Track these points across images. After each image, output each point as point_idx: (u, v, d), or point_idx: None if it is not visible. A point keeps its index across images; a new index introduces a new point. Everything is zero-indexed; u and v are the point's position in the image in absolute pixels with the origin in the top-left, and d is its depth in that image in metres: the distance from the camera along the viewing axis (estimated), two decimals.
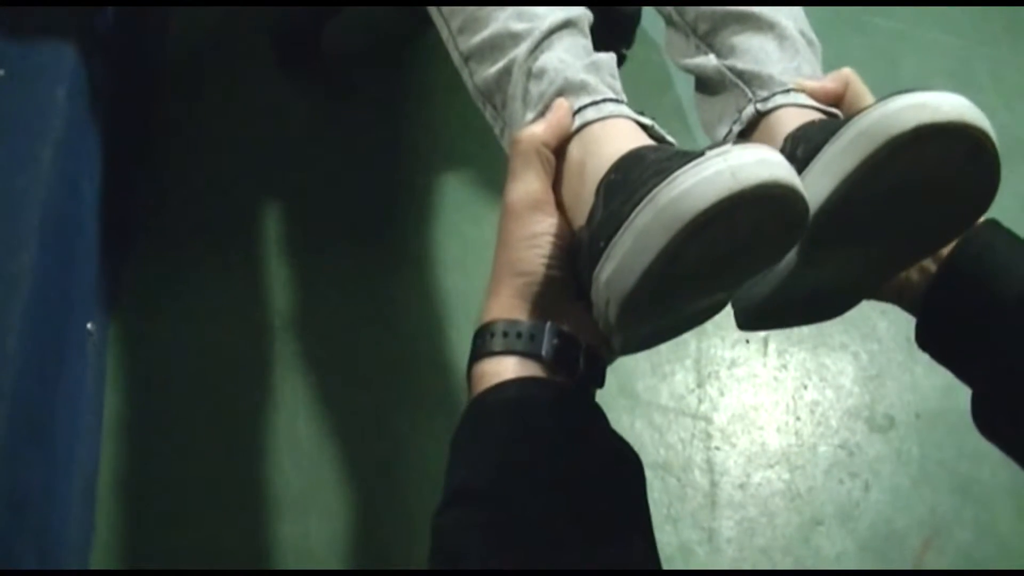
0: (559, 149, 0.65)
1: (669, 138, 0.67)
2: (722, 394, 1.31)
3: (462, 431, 0.58)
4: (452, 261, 1.38)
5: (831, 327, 1.36)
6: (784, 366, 1.35)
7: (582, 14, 0.73)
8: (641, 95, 1.50)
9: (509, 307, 0.60)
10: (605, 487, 0.56)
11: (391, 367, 1.31)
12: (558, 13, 0.71)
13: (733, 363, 1.34)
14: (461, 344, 1.32)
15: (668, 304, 0.58)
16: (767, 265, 0.60)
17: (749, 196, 0.51)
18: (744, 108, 0.73)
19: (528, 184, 0.62)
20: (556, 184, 0.65)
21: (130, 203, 1.36)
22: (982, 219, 0.64)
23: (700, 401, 1.31)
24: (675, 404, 1.30)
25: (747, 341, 1.36)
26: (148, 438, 1.24)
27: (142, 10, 1.42)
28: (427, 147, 1.46)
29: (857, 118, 0.58)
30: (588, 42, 0.73)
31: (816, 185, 0.59)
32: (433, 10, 0.77)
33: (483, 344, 0.59)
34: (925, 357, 0.69)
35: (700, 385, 1.31)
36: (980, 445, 0.66)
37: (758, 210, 0.52)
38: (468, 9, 0.73)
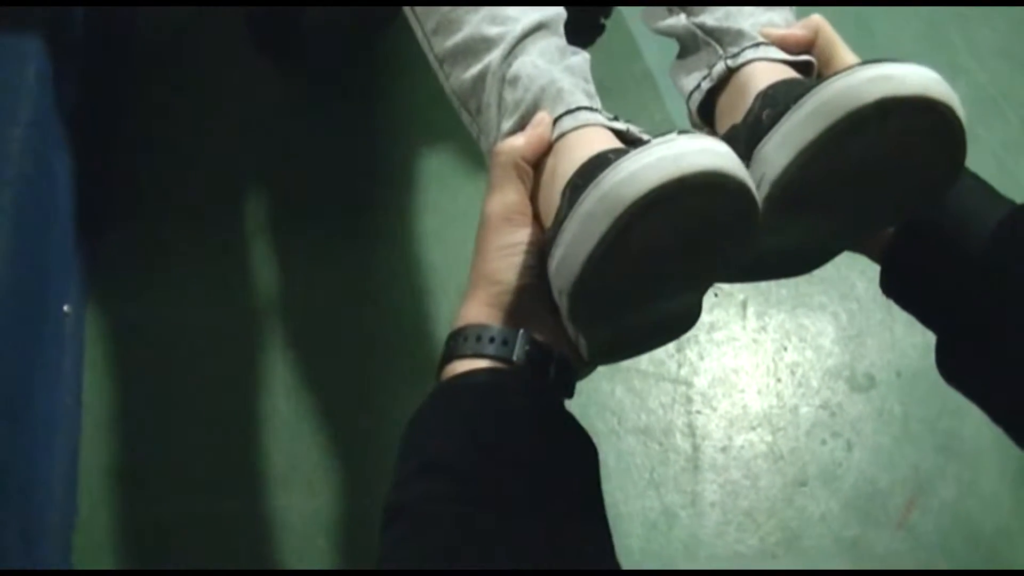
0: (538, 161, 0.65)
1: (647, 137, 0.67)
2: (702, 358, 1.31)
3: (426, 411, 0.58)
4: (431, 235, 1.36)
5: (809, 287, 1.36)
6: (763, 328, 1.34)
7: (556, 14, 0.73)
8: (612, 64, 1.50)
9: (483, 314, 0.60)
10: (569, 471, 0.56)
11: (372, 342, 1.30)
12: (532, 15, 0.70)
13: (712, 327, 1.33)
14: (441, 317, 1.31)
15: (622, 299, 0.58)
16: (724, 260, 0.59)
17: (690, 183, 0.51)
18: (715, 64, 0.72)
19: (506, 196, 0.63)
20: (533, 195, 0.65)
21: (105, 184, 1.35)
22: None
23: (680, 365, 1.30)
24: (655, 369, 1.29)
25: (715, 293, 1.35)
26: (128, 419, 1.22)
27: None
28: (403, 123, 1.45)
29: (820, 87, 0.57)
30: (562, 41, 0.72)
31: (775, 154, 0.59)
32: (407, 10, 0.76)
33: (455, 347, 0.60)
34: (904, 315, 0.69)
35: (680, 350, 1.31)
36: (962, 402, 0.66)
37: (701, 199, 0.52)
38: (442, 10, 0.72)
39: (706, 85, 0.73)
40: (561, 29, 0.73)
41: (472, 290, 0.62)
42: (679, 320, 0.65)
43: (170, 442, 1.22)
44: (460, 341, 0.60)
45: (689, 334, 1.28)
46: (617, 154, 0.56)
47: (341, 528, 1.19)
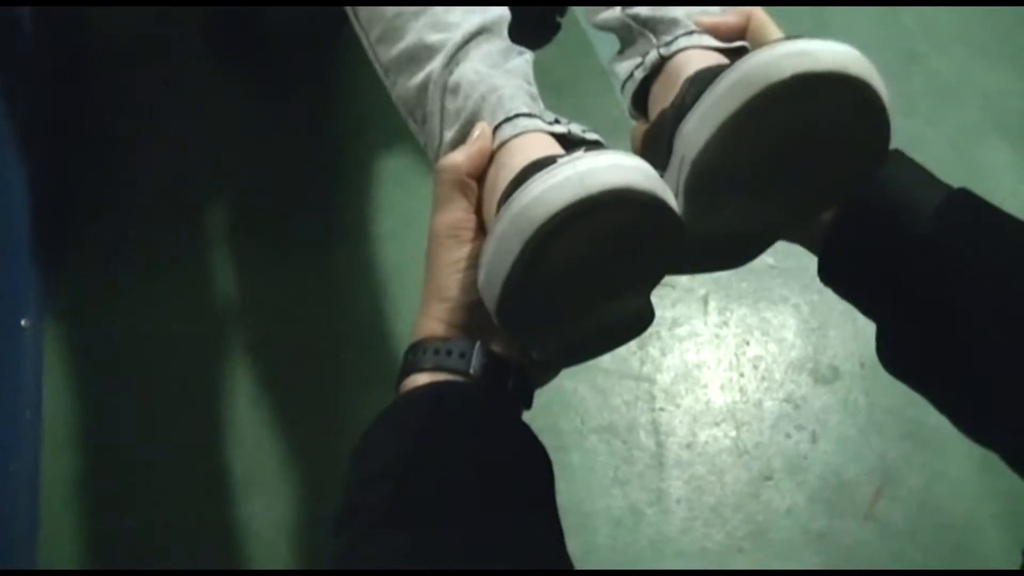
0: (482, 173, 0.65)
1: (592, 136, 0.67)
2: (664, 354, 1.31)
3: (383, 423, 0.58)
4: (388, 236, 1.36)
5: (770, 280, 1.36)
6: (725, 323, 1.34)
7: (498, 16, 0.72)
8: (567, 60, 1.49)
9: (439, 328, 0.60)
10: (524, 483, 0.56)
11: (332, 345, 1.29)
12: (473, 20, 0.70)
13: (674, 323, 1.33)
14: (401, 318, 1.31)
15: (551, 314, 0.58)
16: (651, 267, 0.59)
17: (598, 200, 0.51)
18: (648, 53, 0.72)
19: (450, 213, 0.63)
20: (479, 206, 0.65)
21: (61, 197, 1.34)
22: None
23: (642, 363, 1.30)
24: (617, 367, 1.29)
25: (672, 286, 1.35)
26: (89, 430, 1.22)
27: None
28: (359, 125, 1.45)
29: (737, 63, 0.57)
30: (505, 43, 0.72)
31: (695, 133, 0.58)
32: (353, 20, 0.76)
33: (413, 360, 0.60)
34: None
35: (642, 347, 1.31)
36: None
37: (611, 214, 0.52)
38: (386, 18, 0.72)
39: (639, 74, 0.72)
40: (504, 31, 0.73)
41: (425, 306, 0.62)
42: (629, 324, 0.65)
43: (132, 452, 1.22)
44: (418, 354, 0.60)
45: (651, 330, 1.28)
46: (539, 167, 0.56)
47: (305, 533, 1.19)
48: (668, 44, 0.70)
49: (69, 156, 1.38)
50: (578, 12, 1.53)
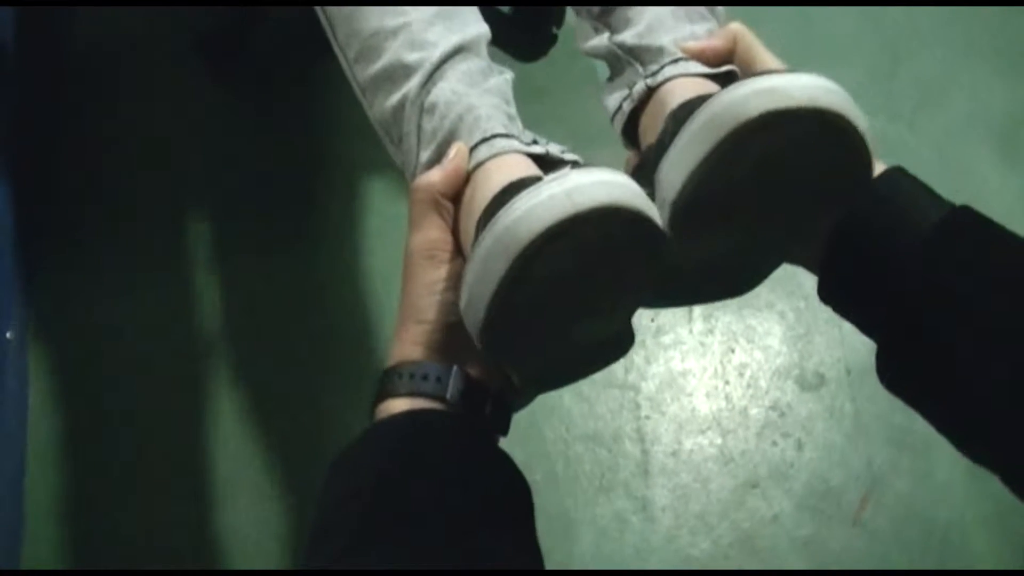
0: (458, 193, 0.65)
1: (571, 156, 0.66)
2: (649, 362, 1.31)
3: (357, 449, 0.58)
4: (373, 235, 1.36)
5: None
6: (710, 330, 1.34)
7: (477, 35, 0.71)
8: (553, 69, 1.49)
9: (416, 352, 0.60)
10: (502, 512, 0.56)
11: (316, 344, 1.29)
12: (452, 38, 0.69)
13: (659, 331, 1.33)
14: (385, 318, 1.31)
15: (535, 336, 0.57)
16: (637, 287, 0.59)
17: (584, 218, 0.51)
18: (635, 84, 0.71)
19: (426, 233, 0.62)
20: (455, 227, 0.65)
21: (43, 205, 1.34)
22: (888, 167, 0.62)
23: (627, 371, 1.30)
24: (602, 376, 1.27)
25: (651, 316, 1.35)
26: (74, 436, 1.22)
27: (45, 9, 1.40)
28: (341, 125, 1.44)
29: (706, 104, 0.56)
30: (484, 62, 0.71)
31: (670, 176, 0.58)
32: (331, 40, 0.75)
33: (389, 386, 0.59)
34: None
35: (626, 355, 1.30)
36: None
37: (597, 232, 0.52)
38: (362, 37, 0.71)
39: (627, 106, 0.71)
40: (483, 50, 0.72)
41: (401, 328, 0.61)
42: (609, 346, 0.64)
43: (117, 457, 1.21)
44: (394, 379, 0.59)
45: (636, 338, 1.28)
46: (521, 186, 0.56)
47: (291, 532, 1.19)
48: (655, 74, 0.69)
49: (48, 166, 1.38)
50: (567, 21, 1.53)
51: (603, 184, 0.52)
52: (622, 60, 0.72)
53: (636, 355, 1.31)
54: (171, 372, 1.27)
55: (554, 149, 0.67)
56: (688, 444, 1.27)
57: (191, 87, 1.45)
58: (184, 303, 1.31)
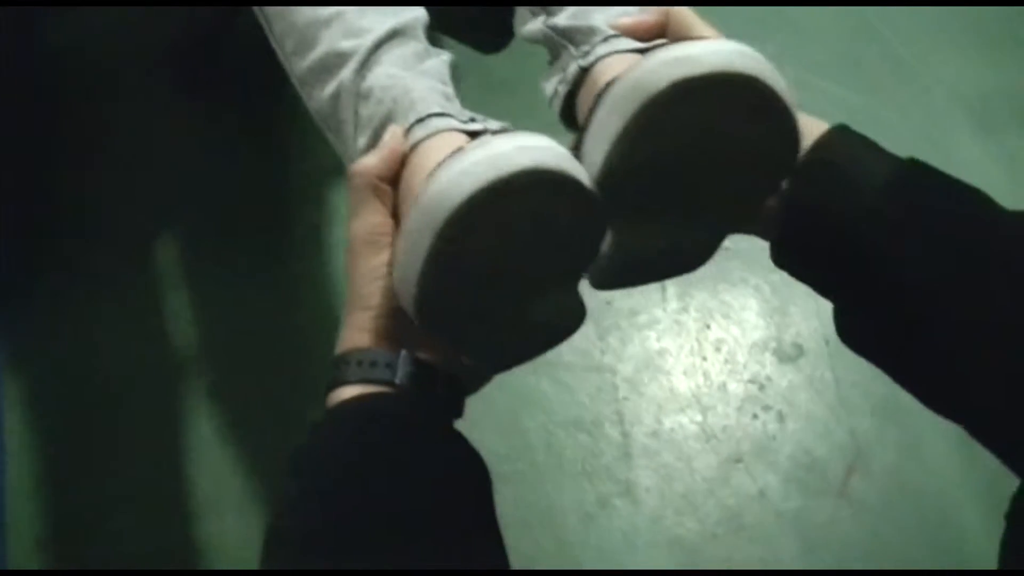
0: (396, 176, 0.63)
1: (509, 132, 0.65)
2: (624, 344, 1.29)
3: (311, 440, 0.57)
4: (338, 243, 1.35)
5: (728, 263, 1.35)
6: (685, 308, 1.33)
7: (413, 19, 0.71)
8: (512, 61, 1.48)
9: (364, 339, 0.59)
10: (457, 494, 0.55)
11: (291, 358, 1.28)
12: (386, 23, 0.68)
13: (633, 312, 1.32)
14: None
15: (473, 311, 0.56)
16: (576, 255, 0.57)
17: (508, 184, 0.49)
18: (569, 66, 0.69)
19: (365, 219, 0.61)
20: (395, 211, 0.63)
21: (15, 232, 1.33)
22: (830, 127, 0.61)
23: (603, 353, 1.28)
24: (579, 360, 1.28)
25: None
26: (53, 458, 1.21)
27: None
28: (305, 137, 1.44)
29: (621, 77, 0.55)
30: (421, 45, 0.70)
31: (592, 153, 0.57)
32: (268, 34, 0.74)
33: (339, 374, 0.58)
34: None
35: (602, 338, 1.29)
36: None
37: (525, 198, 0.50)
38: (297, 29, 0.70)
39: (563, 89, 0.69)
40: (420, 33, 0.71)
41: (349, 316, 0.60)
42: (559, 321, 0.62)
43: (95, 478, 1.20)
44: (343, 367, 0.58)
45: (610, 320, 1.27)
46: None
47: None
48: (586, 54, 0.68)
49: (21, 191, 1.36)
50: None
51: (525, 148, 0.50)
52: (556, 43, 0.71)
53: (611, 337, 1.30)
54: (148, 393, 1.25)
55: (493, 126, 0.66)
56: (668, 423, 1.25)
57: (160, 101, 1.44)
58: (158, 323, 1.30)
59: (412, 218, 0.51)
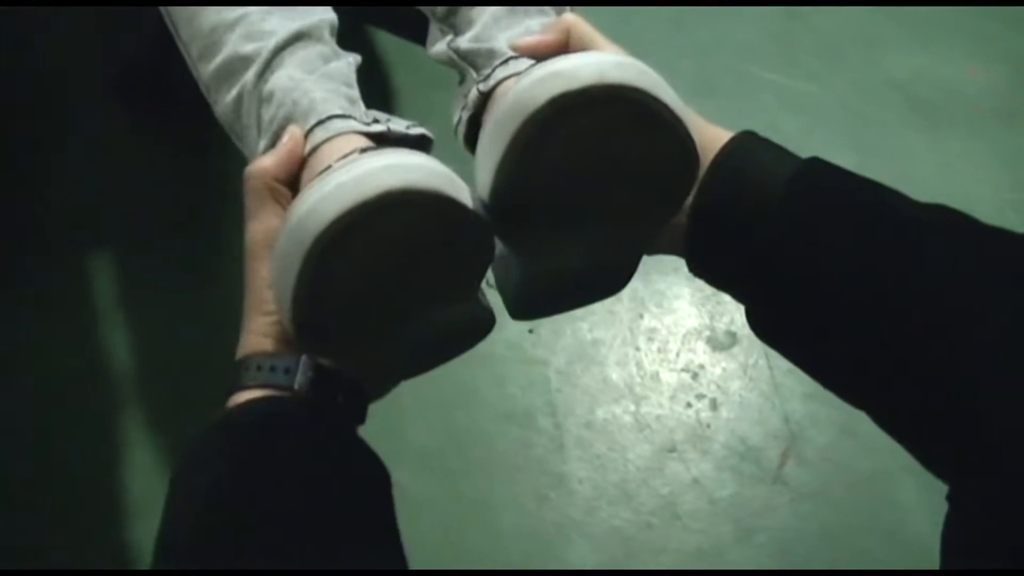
0: (296, 179, 0.62)
1: (417, 131, 0.64)
2: (557, 335, 1.29)
3: (200, 444, 0.56)
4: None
5: None
6: (618, 298, 1.32)
7: (319, 21, 0.69)
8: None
9: (264, 344, 0.58)
10: (354, 499, 0.54)
11: (225, 361, 1.27)
12: (290, 26, 0.67)
13: None
14: None
15: (360, 329, 0.55)
16: (458, 270, 0.56)
17: (375, 206, 0.48)
18: (469, 91, 0.68)
19: (263, 222, 0.60)
20: None
21: None
22: (735, 134, 0.60)
23: (535, 346, 1.28)
24: (511, 353, 1.27)
25: None
26: None
27: None
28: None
29: (502, 98, 0.54)
30: (327, 48, 0.69)
31: (480, 175, 0.55)
32: (177, 40, 0.73)
33: (238, 378, 0.57)
34: None
35: (533, 330, 1.29)
36: None
37: (394, 218, 0.49)
38: (203, 34, 0.69)
39: (465, 116, 0.68)
40: (326, 35, 0.70)
41: (249, 321, 0.59)
42: (462, 331, 0.62)
43: (27, 485, 1.18)
44: (241, 371, 0.57)
45: None
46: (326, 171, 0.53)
47: None
48: (487, 78, 0.66)
49: None
50: None
51: (393, 168, 0.49)
52: (459, 66, 0.70)
53: (543, 328, 1.29)
54: (80, 401, 1.24)
55: (397, 126, 0.64)
56: (602, 414, 1.25)
57: (110, 123, 1.42)
58: (91, 323, 1.28)
59: (281, 241, 0.50)
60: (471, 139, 0.68)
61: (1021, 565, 0.47)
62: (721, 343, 1.31)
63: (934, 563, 1.28)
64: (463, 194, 0.52)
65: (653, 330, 1.31)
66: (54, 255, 1.34)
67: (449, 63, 0.71)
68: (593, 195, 0.56)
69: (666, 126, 0.53)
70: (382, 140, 0.63)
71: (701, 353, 1.30)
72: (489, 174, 0.53)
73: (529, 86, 0.51)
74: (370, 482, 0.56)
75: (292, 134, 0.62)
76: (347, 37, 0.73)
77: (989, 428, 0.50)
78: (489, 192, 0.54)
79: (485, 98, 0.66)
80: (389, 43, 1.26)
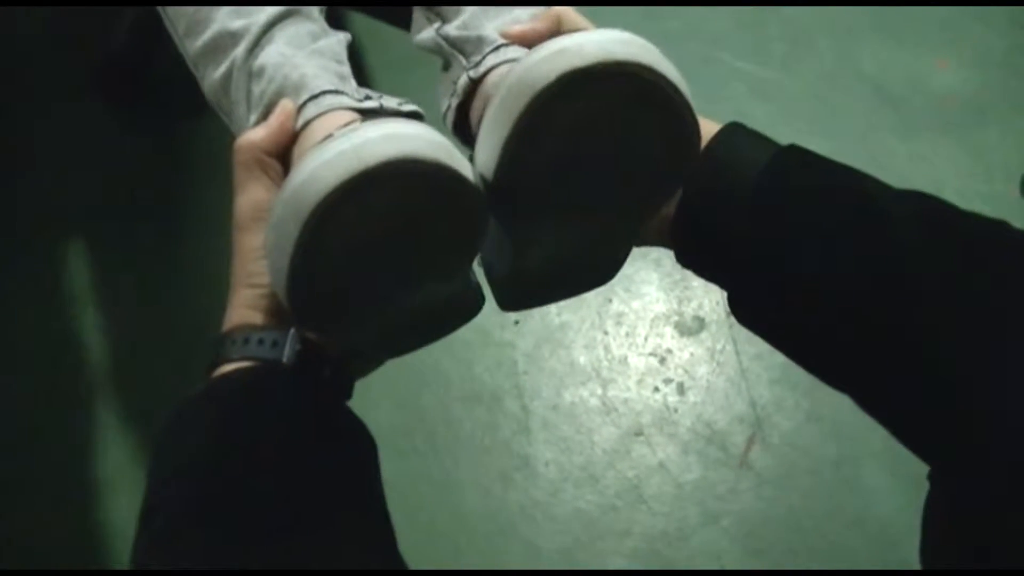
0: (287, 152, 0.62)
1: (408, 108, 0.64)
2: (525, 318, 1.29)
3: (183, 412, 0.55)
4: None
5: None
6: None
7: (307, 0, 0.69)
8: None
9: (250, 317, 0.57)
10: (340, 471, 0.54)
11: (193, 337, 1.27)
12: (279, 4, 0.67)
13: None
14: None
15: (353, 302, 0.54)
16: (454, 244, 0.55)
17: (375, 174, 0.47)
18: (459, 78, 0.68)
19: (252, 194, 0.59)
20: None
21: None
22: (722, 126, 0.61)
23: (503, 328, 1.28)
24: (478, 335, 1.28)
25: None
26: None
27: None
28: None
29: (506, 77, 0.53)
30: (316, 25, 0.69)
31: (482, 157, 0.55)
32: (163, 17, 0.73)
33: (222, 351, 0.57)
34: None
35: (500, 312, 1.29)
36: None
37: (392, 188, 0.49)
38: (190, 10, 0.69)
39: (454, 103, 0.67)
40: (315, 13, 0.70)
41: (233, 294, 0.59)
42: (451, 310, 0.62)
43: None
44: (227, 344, 0.57)
45: None
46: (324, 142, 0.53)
47: None
48: (477, 65, 0.66)
49: None
50: None
51: (394, 137, 0.49)
52: (447, 53, 0.69)
53: (512, 312, 1.29)
54: (48, 381, 1.24)
55: (389, 102, 0.64)
56: (568, 397, 1.26)
57: (79, 110, 1.42)
58: (60, 309, 1.28)
59: (277, 210, 0.50)
60: (459, 126, 0.68)
61: (1005, 542, 0.48)
62: (689, 328, 1.31)
63: (899, 547, 1.29)
64: (462, 165, 0.51)
65: (621, 314, 1.31)
66: (20, 241, 1.33)
67: (436, 50, 0.71)
68: (597, 170, 0.56)
69: (672, 104, 0.53)
70: (374, 116, 0.63)
71: (669, 338, 1.30)
72: (495, 151, 0.53)
73: (536, 63, 0.50)
74: (359, 449, 0.56)
75: (284, 108, 0.62)
76: None
77: (969, 406, 0.51)
78: (493, 169, 0.53)
79: (475, 85, 0.66)
80: (358, 23, 1.26)
